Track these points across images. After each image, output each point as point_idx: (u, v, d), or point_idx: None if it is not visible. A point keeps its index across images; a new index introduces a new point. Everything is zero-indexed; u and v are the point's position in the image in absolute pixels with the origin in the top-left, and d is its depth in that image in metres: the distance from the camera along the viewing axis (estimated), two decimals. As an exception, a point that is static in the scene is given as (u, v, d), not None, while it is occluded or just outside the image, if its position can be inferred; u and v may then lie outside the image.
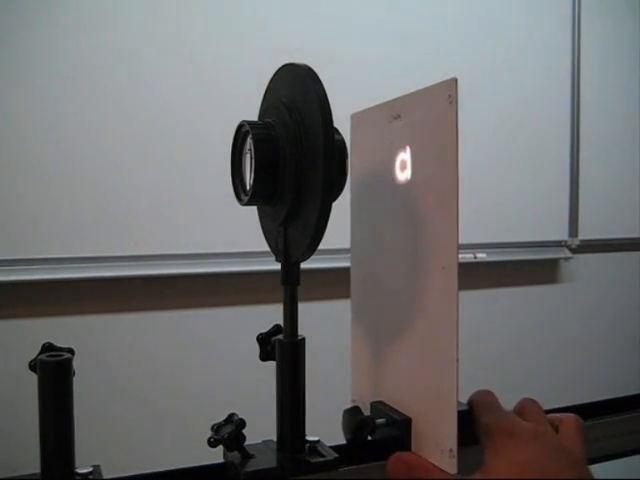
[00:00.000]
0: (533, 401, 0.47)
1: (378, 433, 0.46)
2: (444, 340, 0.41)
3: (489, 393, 0.47)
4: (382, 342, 0.50)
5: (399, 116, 0.47)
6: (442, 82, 0.41)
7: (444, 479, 0.41)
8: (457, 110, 0.40)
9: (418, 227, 0.44)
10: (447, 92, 0.40)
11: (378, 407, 0.49)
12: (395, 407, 0.47)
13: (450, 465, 0.40)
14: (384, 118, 0.49)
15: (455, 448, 0.40)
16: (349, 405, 0.50)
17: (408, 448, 0.45)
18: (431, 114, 0.42)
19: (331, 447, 0.56)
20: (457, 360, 0.40)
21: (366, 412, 0.50)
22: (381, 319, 0.50)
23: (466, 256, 1.97)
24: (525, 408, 0.46)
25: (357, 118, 0.54)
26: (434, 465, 0.42)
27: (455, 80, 0.40)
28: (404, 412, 0.46)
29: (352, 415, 0.46)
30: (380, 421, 0.46)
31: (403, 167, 0.46)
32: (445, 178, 0.41)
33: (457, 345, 0.40)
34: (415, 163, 0.45)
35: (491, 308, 2.12)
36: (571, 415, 0.46)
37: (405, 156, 0.46)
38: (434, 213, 0.42)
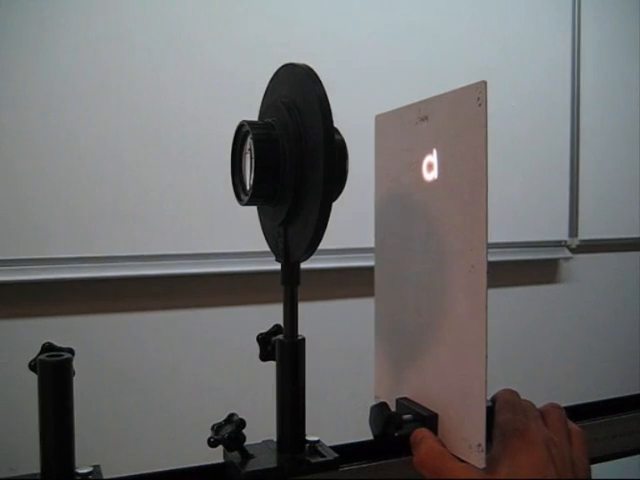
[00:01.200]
0: (558, 407, 0.47)
1: (405, 429, 0.46)
2: (473, 337, 0.42)
3: (513, 392, 0.47)
4: (406, 339, 0.51)
5: (426, 118, 0.48)
6: (471, 85, 0.42)
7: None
8: (486, 113, 0.41)
9: (445, 226, 0.45)
10: (476, 95, 0.42)
11: (403, 403, 0.49)
12: (420, 403, 0.48)
13: (479, 460, 0.41)
14: (410, 120, 0.50)
15: (484, 443, 0.41)
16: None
17: None
18: (460, 116, 0.44)
19: (331, 447, 0.56)
20: (486, 356, 0.41)
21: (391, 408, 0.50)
22: (405, 316, 0.51)
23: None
24: (548, 414, 0.46)
25: (381, 119, 0.55)
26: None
27: (484, 83, 0.41)
28: (430, 408, 0.47)
29: (380, 411, 0.47)
30: (407, 417, 0.47)
31: (430, 168, 0.47)
32: (474, 179, 0.42)
33: (486, 342, 0.41)
34: (442, 164, 0.46)
35: (491, 308, 2.11)
36: (579, 428, 0.46)
37: (432, 157, 0.47)
38: (462, 213, 0.43)
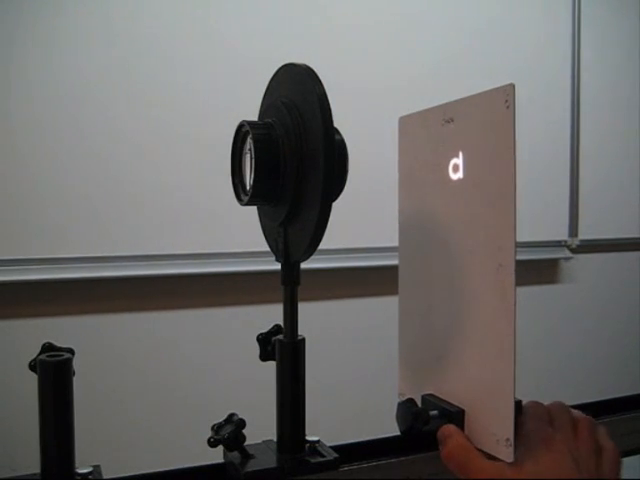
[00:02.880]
0: (589, 420, 0.47)
1: (432, 425, 0.47)
2: (501, 334, 0.43)
3: (541, 405, 0.48)
4: (431, 337, 0.52)
5: (451, 119, 0.49)
6: (499, 87, 0.43)
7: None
8: (514, 115, 0.42)
9: (471, 226, 0.47)
10: (504, 97, 0.43)
11: (429, 399, 0.50)
12: (446, 399, 0.49)
13: (507, 454, 0.42)
14: (435, 121, 0.51)
15: (512, 437, 0.42)
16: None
17: None
18: (487, 118, 0.45)
19: (331, 447, 0.56)
20: (515, 353, 0.42)
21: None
22: (430, 315, 0.52)
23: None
24: (579, 424, 0.46)
25: (405, 121, 0.56)
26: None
27: (512, 86, 0.42)
28: (456, 404, 0.48)
29: (407, 407, 0.47)
30: (433, 413, 0.48)
31: (455, 169, 0.48)
32: (502, 180, 0.43)
33: (515, 338, 0.42)
34: (468, 165, 0.47)
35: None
36: (613, 445, 0.46)
37: (458, 158, 0.48)
38: (490, 214, 0.44)
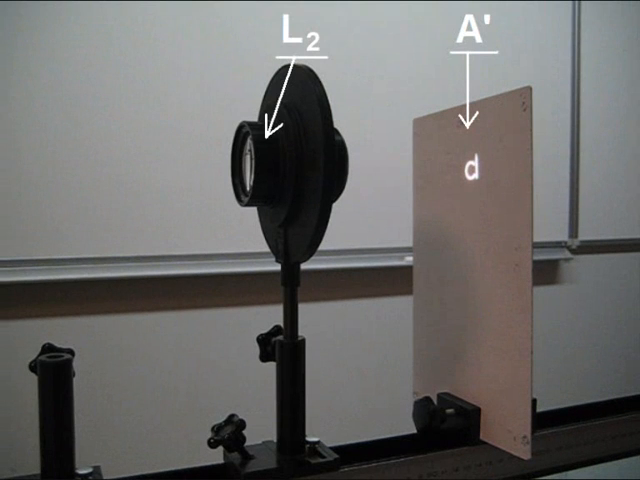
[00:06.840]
0: None
1: (448, 422, 0.48)
2: (518, 333, 0.44)
3: None
4: (447, 336, 0.52)
5: (467, 121, 0.50)
6: (516, 90, 0.44)
7: None
8: (532, 117, 0.43)
9: (487, 227, 0.47)
10: (521, 100, 0.43)
11: (445, 398, 0.51)
12: (462, 397, 0.50)
13: (524, 451, 0.42)
14: (451, 123, 0.52)
15: (529, 434, 0.42)
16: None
17: (477, 436, 0.48)
18: (504, 120, 0.45)
19: (331, 448, 0.56)
20: (532, 351, 0.43)
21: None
22: (446, 314, 0.53)
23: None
24: None
25: (419, 123, 0.57)
26: None
27: (529, 88, 0.43)
28: (471, 402, 0.48)
29: (424, 405, 0.48)
30: (450, 411, 0.48)
31: (471, 170, 0.49)
32: (519, 181, 0.44)
33: (532, 337, 0.43)
34: (485, 166, 0.48)
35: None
36: None
37: (474, 159, 0.49)
38: (506, 214, 0.45)
